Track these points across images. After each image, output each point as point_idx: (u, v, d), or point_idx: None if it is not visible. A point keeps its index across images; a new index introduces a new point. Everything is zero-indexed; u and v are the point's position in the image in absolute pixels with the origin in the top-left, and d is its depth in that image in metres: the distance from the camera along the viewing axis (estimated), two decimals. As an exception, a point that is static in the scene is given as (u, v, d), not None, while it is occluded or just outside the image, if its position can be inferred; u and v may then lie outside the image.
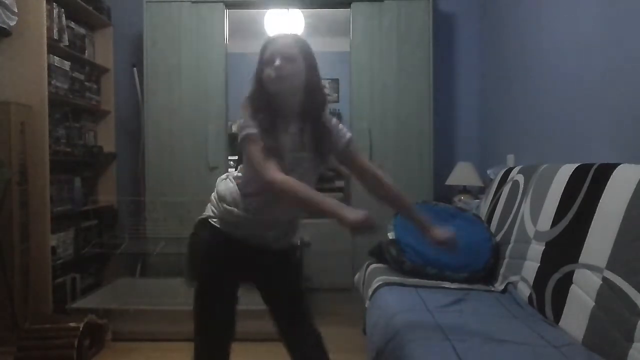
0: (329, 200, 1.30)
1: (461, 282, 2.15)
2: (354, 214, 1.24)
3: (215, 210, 1.50)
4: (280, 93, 1.40)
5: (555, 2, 2.37)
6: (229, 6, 3.34)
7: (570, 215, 1.72)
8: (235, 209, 1.44)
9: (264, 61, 1.40)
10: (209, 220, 1.50)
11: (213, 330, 1.48)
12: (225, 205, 1.46)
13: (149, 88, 3.31)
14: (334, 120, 1.50)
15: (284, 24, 3.54)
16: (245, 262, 1.48)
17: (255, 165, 1.35)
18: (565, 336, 1.51)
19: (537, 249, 1.87)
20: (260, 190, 1.39)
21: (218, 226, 1.47)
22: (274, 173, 1.31)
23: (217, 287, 1.47)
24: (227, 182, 1.51)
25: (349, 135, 1.49)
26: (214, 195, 1.53)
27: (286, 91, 1.40)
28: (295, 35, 1.49)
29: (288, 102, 1.42)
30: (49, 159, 2.66)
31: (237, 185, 1.48)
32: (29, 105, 2.60)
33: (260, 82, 1.41)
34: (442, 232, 1.50)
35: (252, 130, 1.36)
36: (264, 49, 1.42)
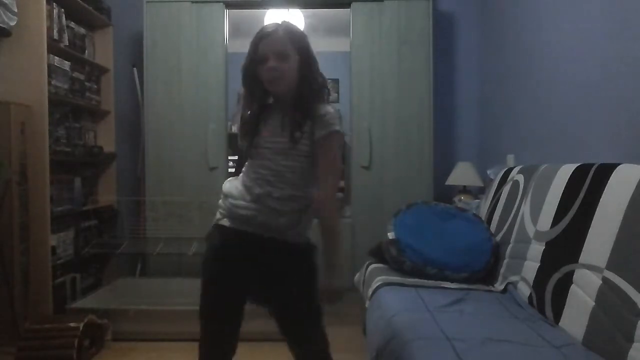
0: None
1: (461, 282, 2.15)
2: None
3: (222, 210, 1.47)
4: (276, 91, 1.42)
5: (555, 2, 2.37)
6: (229, 6, 3.34)
7: (570, 215, 1.72)
8: (242, 201, 1.41)
9: (257, 58, 1.38)
10: (218, 223, 1.47)
11: (214, 336, 1.46)
12: (231, 200, 1.44)
13: (149, 88, 3.31)
14: (327, 109, 1.41)
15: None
16: (258, 264, 1.42)
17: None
18: (565, 336, 1.51)
19: (537, 249, 1.87)
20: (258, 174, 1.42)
21: (228, 225, 1.44)
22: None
23: (225, 293, 1.43)
24: (232, 181, 1.51)
25: (325, 132, 1.37)
26: (220, 199, 1.51)
27: (282, 89, 1.41)
28: (288, 27, 1.41)
29: (281, 96, 1.43)
30: (49, 159, 2.66)
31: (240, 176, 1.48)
32: (29, 105, 2.60)
33: (251, 76, 1.41)
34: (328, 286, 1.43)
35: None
36: (256, 43, 1.39)
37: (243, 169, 1.48)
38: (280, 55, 1.36)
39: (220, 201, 1.50)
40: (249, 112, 1.45)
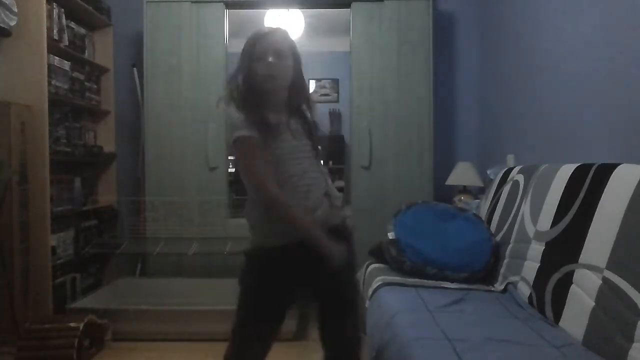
0: (314, 227, 1.37)
1: (461, 282, 2.15)
2: (334, 247, 1.36)
3: (259, 235, 1.50)
4: (270, 90, 1.42)
5: (555, 2, 2.37)
6: (229, 6, 3.34)
7: (570, 215, 1.72)
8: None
9: (255, 57, 1.40)
10: (260, 246, 1.49)
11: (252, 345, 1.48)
12: (265, 222, 1.46)
13: (149, 88, 3.30)
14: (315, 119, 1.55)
15: (284, 24, 3.55)
16: (306, 266, 1.43)
17: (254, 174, 1.38)
18: (565, 336, 1.51)
19: (537, 249, 1.87)
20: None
21: (271, 245, 1.46)
22: (272, 186, 1.36)
23: (271, 315, 1.48)
24: (252, 205, 1.50)
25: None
26: (250, 226, 1.53)
27: (277, 88, 1.43)
28: (284, 31, 1.49)
29: (276, 98, 1.44)
30: (49, 159, 2.66)
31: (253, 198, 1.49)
32: (29, 105, 2.60)
33: (248, 78, 1.41)
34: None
35: (248, 132, 1.37)
36: (253, 44, 1.41)
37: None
38: (279, 53, 1.39)
39: (250, 230, 1.53)
40: (261, 119, 1.41)
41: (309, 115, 1.51)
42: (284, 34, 1.46)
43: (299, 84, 1.47)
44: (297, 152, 1.45)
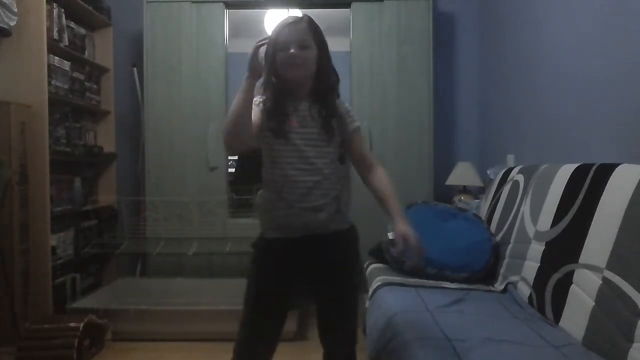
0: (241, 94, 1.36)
1: (461, 282, 2.15)
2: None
3: (261, 224, 1.50)
4: (295, 79, 1.42)
5: (555, 2, 2.37)
6: (229, 6, 3.34)
7: (570, 215, 1.72)
8: (279, 211, 1.43)
9: (278, 47, 1.39)
10: (263, 236, 1.49)
11: (256, 346, 1.48)
12: (266, 213, 1.46)
13: (149, 88, 3.30)
14: (346, 105, 1.52)
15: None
16: (307, 265, 1.45)
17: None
18: (565, 336, 1.51)
19: (537, 249, 1.87)
20: (271, 165, 1.43)
21: (271, 236, 1.46)
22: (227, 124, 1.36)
23: (274, 305, 1.47)
24: (260, 194, 1.51)
25: (357, 124, 1.50)
26: (257, 215, 1.53)
27: (300, 78, 1.42)
28: (309, 19, 1.45)
29: (300, 86, 1.44)
30: (49, 159, 2.66)
31: (264, 185, 1.48)
32: (29, 105, 2.60)
33: (271, 66, 1.41)
34: (403, 227, 1.43)
35: (259, 99, 1.42)
36: (277, 33, 1.41)
37: (267, 177, 1.46)
38: (301, 43, 1.39)
39: (257, 216, 1.53)
40: (271, 101, 1.43)
41: (335, 105, 1.47)
42: (308, 23, 1.43)
43: (324, 73, 1.45)
44: (296, 135, 1.41)
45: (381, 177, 1.55)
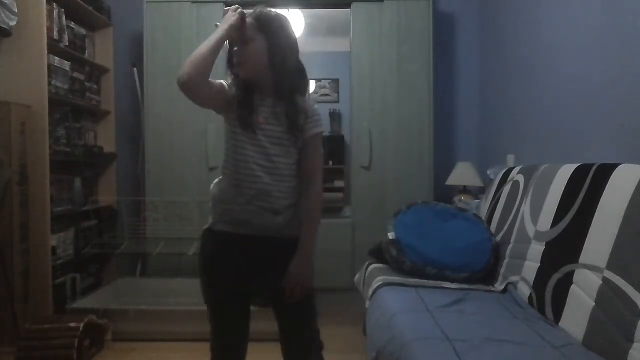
0: (211, 37, 1.32)
1: (461, 282, 2.15)
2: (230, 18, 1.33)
3: (214, 214, 1.46)
4: (246, 77, 1.39)
5: (555, 2, 2.37)
6: (229, 6, 3.33)
7: (570, 215, 1.72)
8: (235, 204, 1.39)
9: (232, 44, 1.39)
10: (212, 227, 1.45)
11: (224, 347, 1.48)
12: (222, 205, 1.43)
13: (149, 88, 3.31)
14: (315, 107, 1.44)
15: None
16: (257, 264, 1.41)
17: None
18: (565, 336, 1.51)
19: (537, 249, 1.87)
20: (232, 160, 1.39)
21: (221, 229, 1.42)
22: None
23: (226, 297, 1.44)
24: (219, 183, 1.47)
25: (318, 130, 1.43)
26: (210, 202, 1.49)
27: (250, 73, 1.39)
28: (259, 12, 1.39)
29: (259, 82, 1.40)
30: (49, 159, 2.66)
31: (223, 175, 1.44)
32: (29, 105, 2.60)
33: (232, 64, 1.40)
34: (288, 276, 1.39)
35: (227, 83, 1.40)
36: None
37: (228, 167, 1.42)
38: (242, 38, 1.36)
39: (210, 205, 1.48)
40: (238, 96, 1.40)
41: (299, 101, 1.41)
42: (255, 16, 1.37)
43: (278, 64, 1.36)
44: (261, 132, 1.37)
45: (313, 199, 1.43)
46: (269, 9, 1.41)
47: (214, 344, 1.49)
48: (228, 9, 1.38)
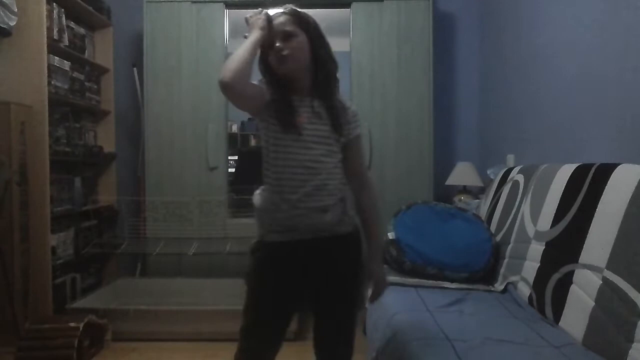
0: (248, 41, 1.31)
1: (461, 282, 2.15)
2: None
3: (261, 226, 1.43)
4: (288, 73, 1.36)
5: (555, 2, 2.37)
6: (229, 6, 3.34)
7: (570, 215, 1.72)
8: (281, 212, 1.35)
9: (266, 46, 1.36)
10: (263, 239, 1.42)
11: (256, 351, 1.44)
12: (268, 214, 1.39)
13: (149, 88, 3.30)
14: (354, 108, 1.45)
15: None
16: (311, 270, 1.39)
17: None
18: (565, 336, 1.51)
19: (537, 249, 1.87)
20: (273, 162, 1.37)
21: (273, 240, 1.39)
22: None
23: (278, 312, 1.41)
24: (261, 194, 1.43)
25: (359, 131, 1.44)
26: (255, 217, 1.46)
27: (294, 70, 1.36)
28: (292, 9, 1.39)
29: (298, 80, 1.38)
30: (49, 159, 2.66)
31: (265, 184, 1.41)
32: (29, 105, 2.60)
33: (266, 66, 1.38)
34: (375, 276, 1.45)
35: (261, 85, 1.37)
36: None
37: (269, 175, 1.39)
38: (285, 34, 1.34)
39: (255, 218, 1.45)
40: (275, 99, 1.37)
41: (340, 98, 1.41)
42: (290, 13, 1.37)
43: (322, 60, 1.37)
44: (317, 136, 1.35)
45: (373, 200, 1.47)
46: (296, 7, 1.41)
47: (245, 345, 1.44)
48: (251, 16, 1.38)
